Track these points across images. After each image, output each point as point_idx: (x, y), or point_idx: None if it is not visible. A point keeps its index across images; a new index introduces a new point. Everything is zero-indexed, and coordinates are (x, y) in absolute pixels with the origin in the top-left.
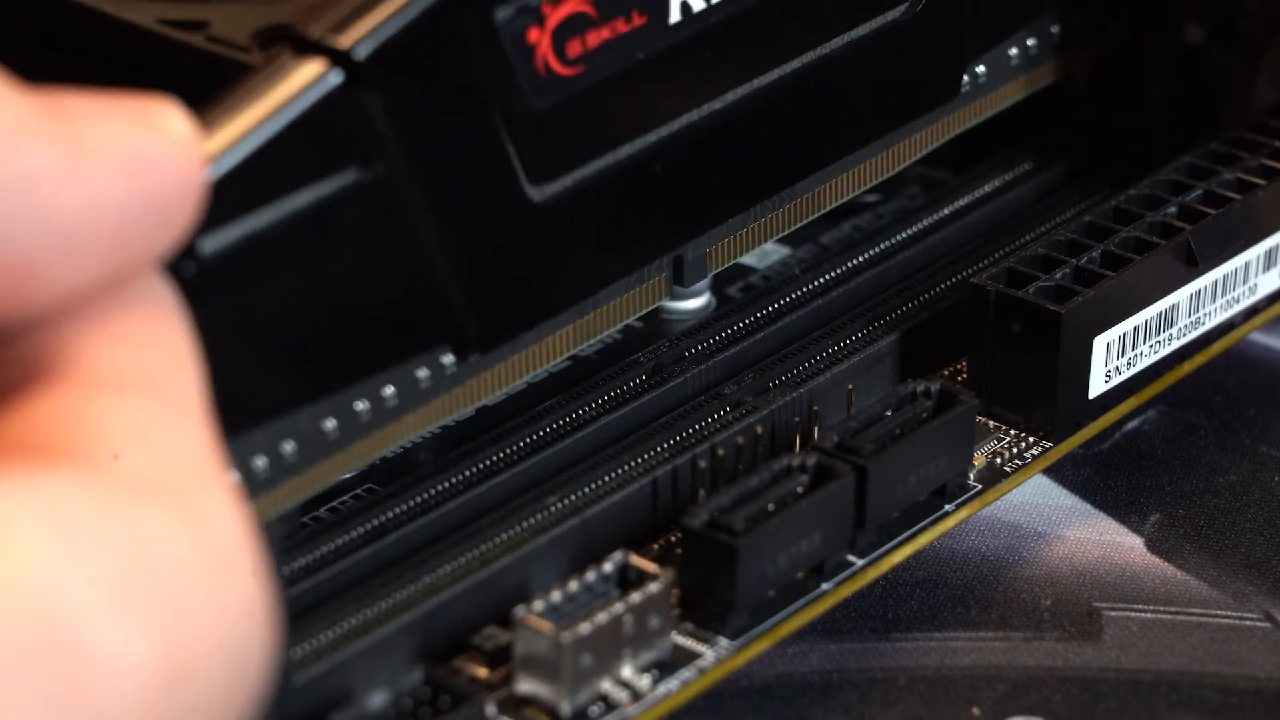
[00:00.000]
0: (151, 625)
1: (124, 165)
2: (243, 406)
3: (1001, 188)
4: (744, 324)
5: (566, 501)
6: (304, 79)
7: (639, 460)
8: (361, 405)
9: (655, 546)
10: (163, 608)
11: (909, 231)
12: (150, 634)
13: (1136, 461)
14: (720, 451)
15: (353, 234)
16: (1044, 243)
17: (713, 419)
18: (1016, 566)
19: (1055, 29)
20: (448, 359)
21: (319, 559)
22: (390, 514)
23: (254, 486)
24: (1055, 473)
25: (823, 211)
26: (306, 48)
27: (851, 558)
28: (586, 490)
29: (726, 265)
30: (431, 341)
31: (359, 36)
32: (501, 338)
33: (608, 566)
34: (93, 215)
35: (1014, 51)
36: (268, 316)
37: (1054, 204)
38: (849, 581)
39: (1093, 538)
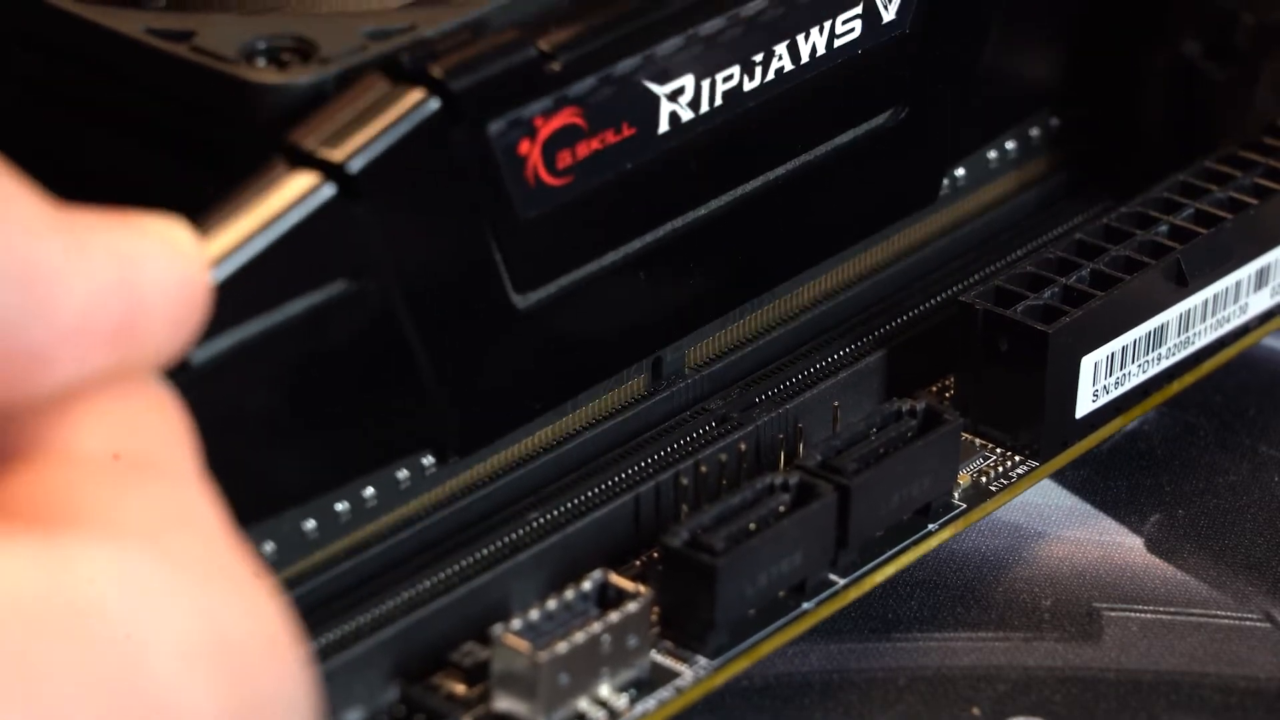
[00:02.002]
0: (219, 687)
1: (124, 265)
2: (227, 509)
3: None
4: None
5: (548, 517)
6: (297, 191)
7: (621, 476)
8: (341, 506)
9: (637, 563)
10: (229, 671)
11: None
12: (218, 695)
13: (1136, 462)
14: (703, 469)
15: (339, 343)
16: (1033, 260)
17: (697, 435)
18: (1016, 566)
19: (1034, 133)
20: (428, 460)
21: (297, 574)
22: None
23: None
24: (1055, 473)
25: (802, 311)
26: (300, 160)
27: (833, 577)
28: (568, 506)
29: (705, 362)
30: (413, 445)
31: (353, 150)
32: (481, 441)
33: (587, 585)
34: (95, 311)
35: (993, 155)
36: (253, 423)
37: (1051, 217)
38: (830, 601)
39: (1093, 538)
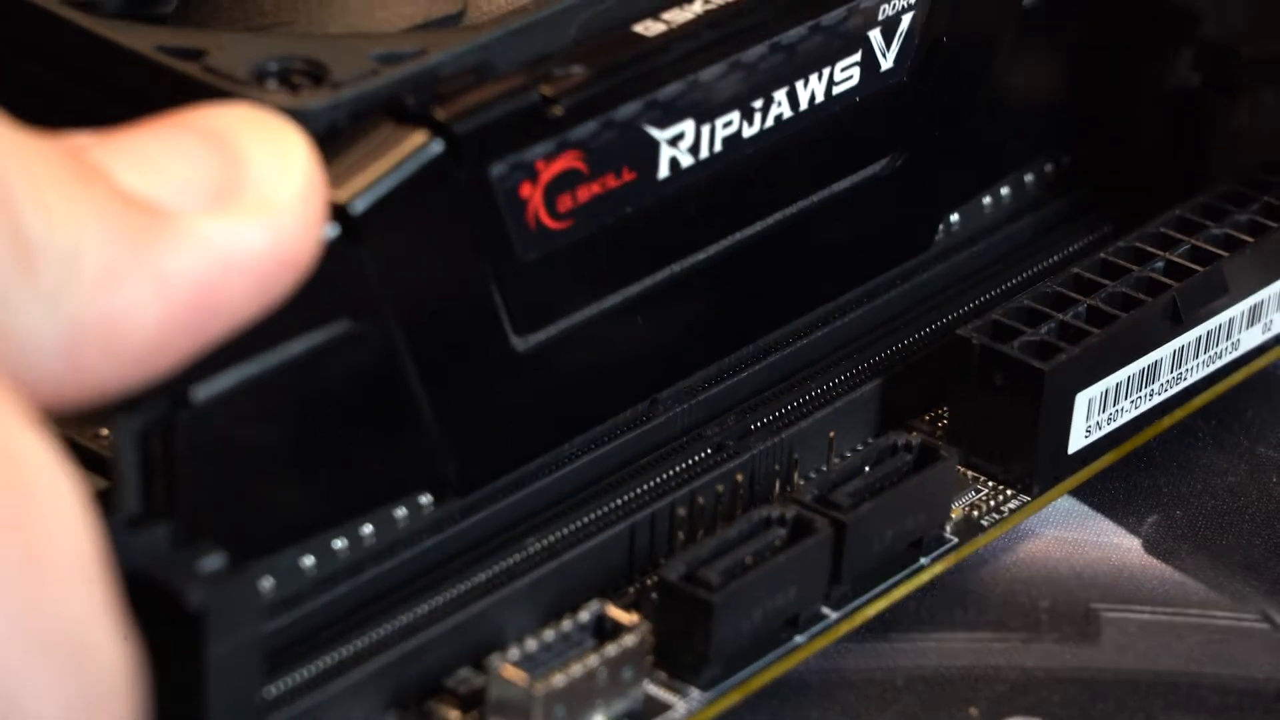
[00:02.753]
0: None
1: (214, 272)
2: (224, 546)
3: (997, 223)
4: (727, 363)
5: (544, 544)
6: None
7: (617, 505)
8: (340, 544)
9: (630, 590)
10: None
11: (899, 269)
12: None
13: (1134, 463)
14: (699, 499)
15: (340, 383)
16: (1030, 294)
17: (692, 463)
18: (1014, 567)
19: (1029, 179)
20: (426, 500)
21: (294, 598)
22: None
23: None
24: None
25: (797, 338)
26: None
27: (826, 610)
28: (564, 533)
29: (701, 387)
30: (411, 486)
31: (356, 191)
32: (480, 482)
33: (584, 616)
34: (169, 332)
35: (988, 201)
36: (253, 460)
37: (1049, 244)
38: (822, 635)
39: (1090, 539)
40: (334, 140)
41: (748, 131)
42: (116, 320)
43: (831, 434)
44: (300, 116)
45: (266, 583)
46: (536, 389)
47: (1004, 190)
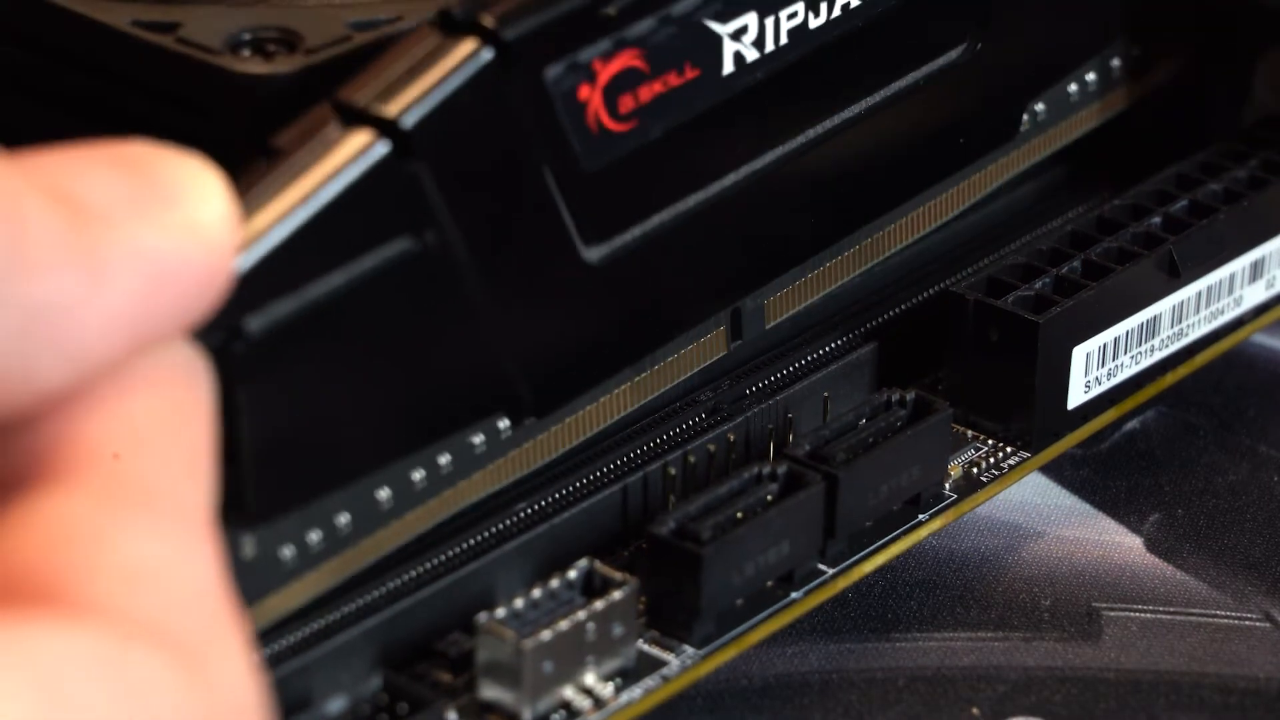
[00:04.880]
0: None
1: (148, 277)
2: (297, 483)
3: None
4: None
5: (535, 508)
6: (351, 150)
7: (609, 467)
8: (418, 474)
9: (625, 553)
10: None
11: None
12: None
13: (1135, 461)
14: (691, 459)
15: (403, 305)
16: (1025, 252)
17: (687, 425)
18: (1016, 566)
19: (1116, 62)
20: (503, 424)
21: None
22: None
23: (306, 560)
24: (1054, 472)
25: (880, 259)
26: (353, 117)
27: (822, 566)
28: (555, 497)
29: (786, 316)
30: (488, 410)
31: (406, 105)
32: (558, 402)
33: (572, 573)
34: (109, 333)
35: (1073, 88)
36: (319, 392)
37: (1048, 210)
38: (819, 590)
39: (1092, 538)
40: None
41: (814, 22)
42: (61, 311)
43: (826, 395)
44: (272, 82)
45: (343, 518)
46: (610, 302)
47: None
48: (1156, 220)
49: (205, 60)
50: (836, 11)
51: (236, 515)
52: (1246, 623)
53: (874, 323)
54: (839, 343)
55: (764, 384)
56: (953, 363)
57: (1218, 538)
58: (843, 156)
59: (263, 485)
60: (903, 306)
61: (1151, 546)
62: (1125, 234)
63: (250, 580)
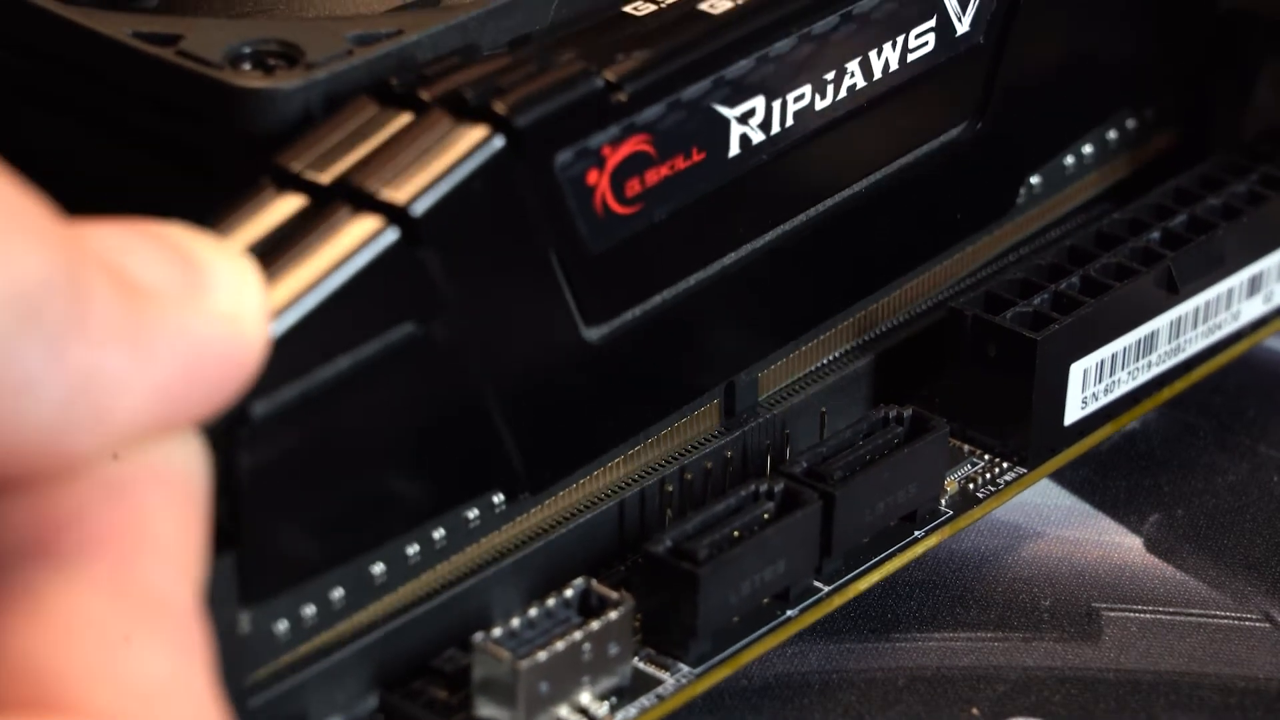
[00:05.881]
0: None
1: (188, 361)
2: (294, 564)
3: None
4: None
5: (532, 521)
6: (359, 237)
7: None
8: (412, 549)
9: (621, 569)
10: None
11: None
12: None
13: (1135, 462)
14: (688, 475)
15: (404, 388)
16: (1024, 267)
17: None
18: (1016, 567)
19: (1112, 135)
20: (498, 498)
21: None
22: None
23: (299, 634)
24: (1054, 473)
25: (877, 332)
26: (362, 202)
27: (817, 584)
28: (553, 511)
29: (780, 388)
30: (484, 486)
31: (415, 191)
32: (553, 477)
33: (569, 592)
34: (145, 410)
35: (1070, 160)
36: (318, 475)
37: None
38: (814, 608)
39: (1092, 538)
40: (309, 122)
41: (820, 104)
42: (106, 383)
43: (824, 410)
44: (273, 97)
45: (336, 593)
46: (609, 380)
47: (1086, 149)
48: (1155, 235)
49: (205, 74)
50: (842, 93)
51: (234, 594)
52: (1246, 623)
53: (870, 336)
54: (835, 356)
55: (761, 398)
56: (950, 377)
57: (1217, 538)
58: (840, 233)
59: (260, 567)
60: (899, 319)
61: (1151, 547)
62: (1124, 249)
63: (244, 654)
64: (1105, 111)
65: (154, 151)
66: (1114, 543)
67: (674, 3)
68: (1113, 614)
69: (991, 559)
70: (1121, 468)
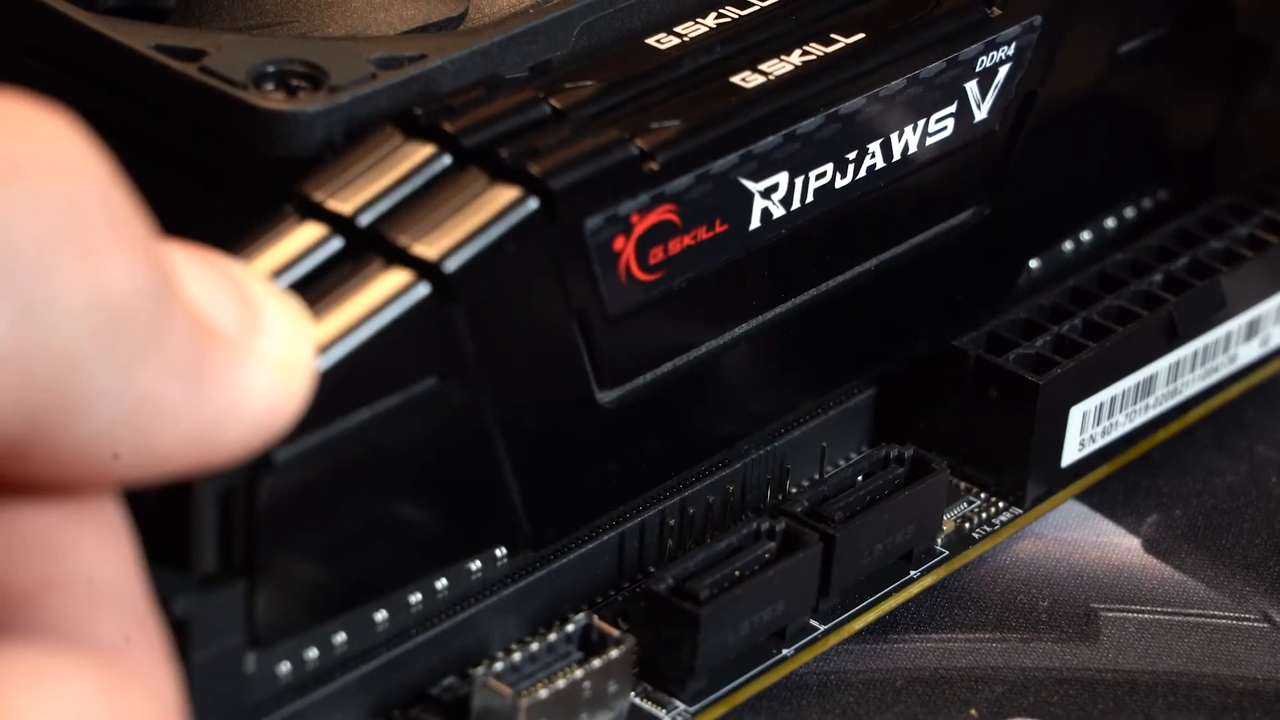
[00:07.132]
0: None
1: (238, 404)
2: (303, 609)
3: None
4: None
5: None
6: (390, 289)
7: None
8: (415, 598)
9: (620, 598)
10: None
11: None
12: None
13: (1134, 463)
14: (690, 510)
15: (421, 441)
16: (1027, 307)
17: (684, 471)
18: (1014, 567)
19: (1110, 224)
20: (500, 552)
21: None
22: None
23: (302, 676)
24: None
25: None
26: (395, 255)
27: (814, 623)
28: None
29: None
30: (489, 542)
31: (448, 247)
32: (556, 536)
33: (570, 628)
34: (190, 444)
35: (1068, 246)
36: (331, 523)
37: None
38: (809, 647)
39: (1090, 539)
40: (330, 146)
41: (840, 182)
42: (164, 411)
43: (824, 444)
44: (296, 120)
45: (339, 638)
46: (618, 442)
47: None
48: (1157, 278)
49: (229, 93)
50: (862, 173)
51: (243, 636)
52: (1244, 623)
53: (872, 370)
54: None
55: (761, 430)
56: (949, 414)
57: (1216, 538)
58: (849, 308)
59: (271, 611)
60: (900, 354)
61: (1149, 547)
62: (1126, 292)
63: (246, 693)
64: (1114, 199)
65: (172, 166)
66: (1112, 543)
67: (702, 68)
68: (1111, 614)
69: (990, 560)
70: (1120, 469)
